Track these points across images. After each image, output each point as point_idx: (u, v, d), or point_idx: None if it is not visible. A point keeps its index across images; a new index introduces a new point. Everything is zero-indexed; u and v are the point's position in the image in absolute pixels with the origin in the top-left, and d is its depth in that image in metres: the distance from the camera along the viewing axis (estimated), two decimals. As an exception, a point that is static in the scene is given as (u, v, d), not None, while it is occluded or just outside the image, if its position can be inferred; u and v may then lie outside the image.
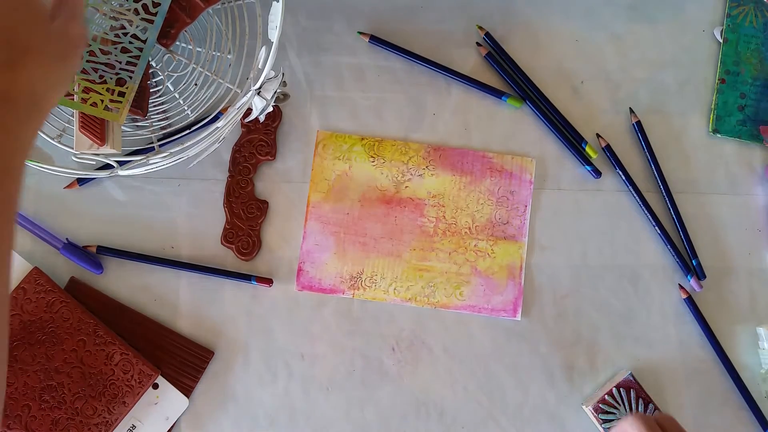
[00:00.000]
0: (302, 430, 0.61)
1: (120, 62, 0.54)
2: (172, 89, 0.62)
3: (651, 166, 0.64)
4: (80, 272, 0.62)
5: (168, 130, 0.62)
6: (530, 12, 0.67)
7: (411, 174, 0.64)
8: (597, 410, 0.60)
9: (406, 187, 0.64)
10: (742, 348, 0.63)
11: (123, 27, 0.54)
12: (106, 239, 0.63)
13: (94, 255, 0.62)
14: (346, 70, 0.65)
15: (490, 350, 0.62)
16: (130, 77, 0.54)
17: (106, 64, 0.54)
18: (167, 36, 0.57)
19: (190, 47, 0.61)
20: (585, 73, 0.66)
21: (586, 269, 0.63)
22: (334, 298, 0.63)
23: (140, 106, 0.57)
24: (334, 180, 0.64)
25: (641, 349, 0.62)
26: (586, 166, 0.64)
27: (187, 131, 0.62)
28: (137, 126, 0.62)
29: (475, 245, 0.63)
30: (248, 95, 0.55)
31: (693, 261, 0.63)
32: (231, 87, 0.60)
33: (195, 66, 0.60)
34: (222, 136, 0.57)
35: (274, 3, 0.55)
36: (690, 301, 0.62)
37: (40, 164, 0.56)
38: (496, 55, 0.65)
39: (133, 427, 0.60)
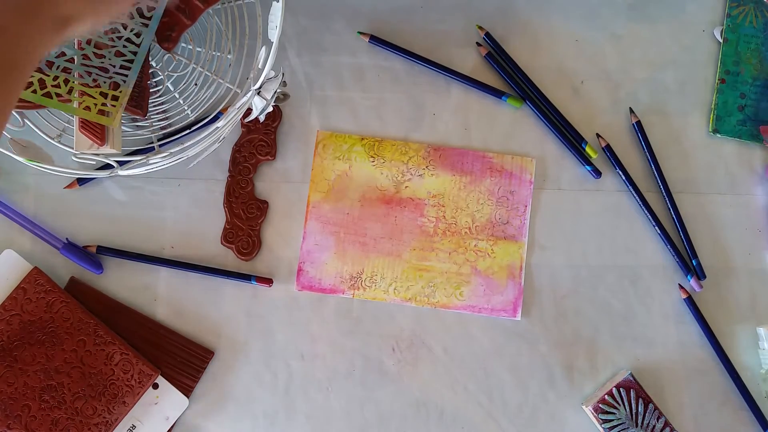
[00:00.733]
0: (302, 430, 0.61)
1: (114, 66, 0.53)
2: (172, 89, 0.62)
3: (651, 166, 0.64)
4: (80, 272, 0.62)
5: (168, 130, 0.62)
6: (530, 12, 0.66)
7: (411, 174, 0.64)
8: (597, 410, 0.60)
9: (406, 187, 0.64)
10: (742, 348, 0.62)
11: (117, 30, 0.54)
12: (106, 239, 0.63)
13: (94, 255, 0.62)
14: (346, 70, 0.65)
15: (490, 350, 0.62)
16: (124, 81, 0.54)
17: (99, 68, 0.53)
18: (168, 39, 0.56)
19: (190, 47, 0.61)
20: (585, 73, 0.66)
21: (586, 269, 0.63)
22: (334, 298, 0.63)
23: (140, 106, 0.57)
24: (334, 180, 0.64)
25: (641, 349, 0.62)
26: (586, 166, 0.64)
27: (187, 131, 0.62)
28: (137, 126, 0.62)
29: (475, 245, 0.63)
30: (248, 95, 0.55)
31: (693, 261, 0.63)
32: (231, 87, 0.60)
33: (195, 66, 0.60)
34: (222, 136, 0.57)
35: (274, 3, 0.55)
36: (690, 301, 0.62)
37: (40, 164, 0.56)
38: (496, 55, 0.65)
39: (133, 427, 0.60)
